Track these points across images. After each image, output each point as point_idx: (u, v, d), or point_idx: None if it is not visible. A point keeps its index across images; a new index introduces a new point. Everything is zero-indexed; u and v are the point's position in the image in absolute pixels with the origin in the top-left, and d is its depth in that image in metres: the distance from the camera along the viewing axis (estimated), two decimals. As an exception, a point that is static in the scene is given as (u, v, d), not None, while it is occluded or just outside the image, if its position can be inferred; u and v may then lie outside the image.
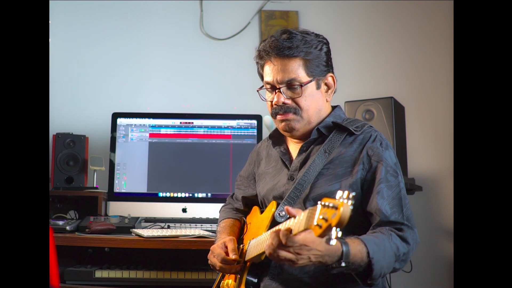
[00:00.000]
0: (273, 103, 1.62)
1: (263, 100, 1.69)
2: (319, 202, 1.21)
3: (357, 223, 1.55)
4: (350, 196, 1.17)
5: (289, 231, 1.29)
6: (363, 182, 1.55)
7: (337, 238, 1.18)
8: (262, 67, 1.66)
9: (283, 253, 1.29)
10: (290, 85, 1.59)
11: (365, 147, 1.58)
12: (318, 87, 1.63)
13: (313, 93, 1.62)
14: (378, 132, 1.63)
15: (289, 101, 1.60)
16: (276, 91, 1.61)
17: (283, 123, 1.64)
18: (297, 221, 1.30)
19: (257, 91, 1.69)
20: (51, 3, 2.11)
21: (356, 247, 1.36)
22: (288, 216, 1.52)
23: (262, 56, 1.63)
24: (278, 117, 1.63)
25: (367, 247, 1.37)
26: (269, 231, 1.46)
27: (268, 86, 1.65)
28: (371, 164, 1.55)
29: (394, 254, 1.43)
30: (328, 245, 1.27)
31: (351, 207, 1.16)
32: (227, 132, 2.67)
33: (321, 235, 1.19)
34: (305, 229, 1.25)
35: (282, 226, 1.38)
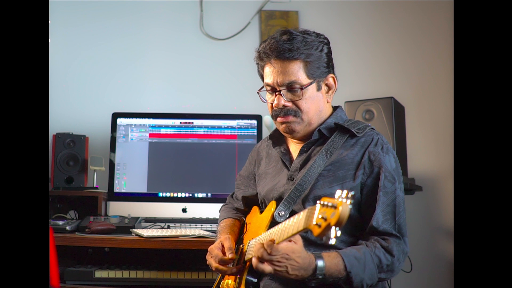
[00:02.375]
0: (274, 105, 1.62)
1: (263, 101, 1.68)
2: (318, 202, 1.22)
3: (357, 225, 1.55)
4: (349, 195, 1.18)
5: (272, 241, 1.35)
6: (363, 186, 1.56)
7: (336, 237, 1.19)
8: (262, 68, 1.65)
9: (265, 265, 1.36)
10: (291, 87, 1.59)
11: (366, 150, 1.58)
12: (319, 88, 1.63)
13: (314, 95, 1.61)
14: (380, 135, 1.63)
15: (289, 104, 1.60)
16: (277, 93, 1.61)
17: (283, 125, 1.63)
18: (296, 220, 1.31)
19: (257, 92, 1.69)
20: (51, 4, 2.11)
21: (332, 261, 1.41)
22: (287, 216, 1.53)
23: (262, 58, 1.62)
24: (279, 119, 1.63)
25: (344, 261, 1.41)
26: (270, 230, 1.46)
27: (269, 88, 1.64)
28: (372, 169, 1.56)
29: (376, 266, 1.47)
30: (304, 259, 1.36)
31: (350, 206, 1.17)
32: (227, 132, 2.67)
33: (320, 235, 1.20)
34: (304, 229, 1.26)
35: (282, 225, 1.39)
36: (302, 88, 1.58)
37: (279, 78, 1.58)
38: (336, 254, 1.43)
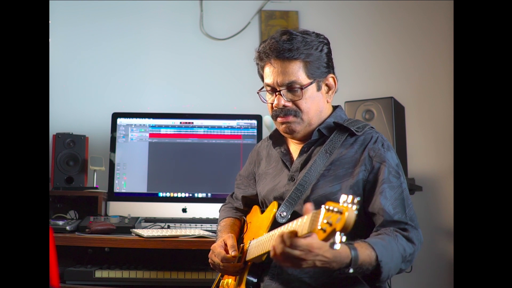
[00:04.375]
0: (274, 105, 1.62)
1: (263, 101, 1.68)
2: (323, 206, 1.20)
3: (359, 224, 1.54)
4: (355, 201, 1.16)
5: (294, 233, 1.27)
6: (365, 183, 1.55)
7: (342, 242, 1.17)
8: (262, 68, 1.65)
9: (288, 256, 1.27)
10: (291, 87, 1.58)
11: (366, 148, 1.58)
12: (319, 88, 1.63)
13: (314, 95, 1.61)
14: (379, 133, 1.63)
15: (289, 104, 1.60)
16: (277, 93, 1.61)
17: (283, 126, 1.63)
18: (300, 224, 1.29)
19: (257, 93, 1.69)
20: (51, 3, 2.11)
21: (365, 252, 1.35)
22: (289, 217, 1.52)
23: (262, 58, 1.62)
24: (279, 119, 1.63)
25: (376, 251, 1.36)
26: (272, 232, 1.46)
27: (269, 88, 1.64)
28: (373, 165, 1.55)
29: (401, 255, 1.43)
30: (337, 252, 1.27)
31: (355, 212, 1.15)
32: (227, 132, 2.67)
33: (325, 240, 1.18)
34: (309, 233, 1.24)
35: (286, 228, 1.36)
36: (302, 88, 1.58)
37: (279, 78, 1.58)
38: (366, 245, 1.37)
